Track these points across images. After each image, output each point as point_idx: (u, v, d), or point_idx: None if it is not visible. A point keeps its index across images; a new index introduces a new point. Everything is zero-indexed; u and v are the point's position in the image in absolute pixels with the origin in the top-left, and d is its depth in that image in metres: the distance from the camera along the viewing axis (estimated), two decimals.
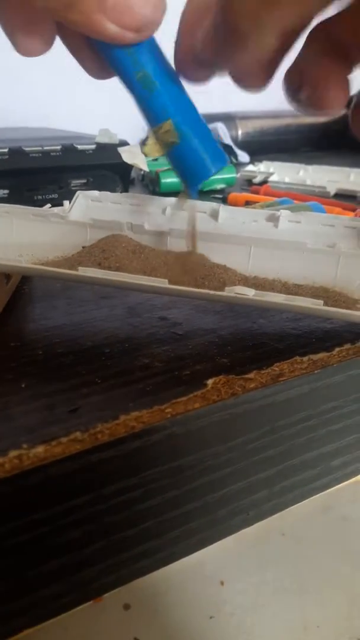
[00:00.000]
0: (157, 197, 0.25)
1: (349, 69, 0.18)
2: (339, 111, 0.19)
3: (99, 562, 0.18)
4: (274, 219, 0.24)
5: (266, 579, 0.45)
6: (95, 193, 0.25)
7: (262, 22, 0.15)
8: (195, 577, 0.44)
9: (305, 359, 0.19)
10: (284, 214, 0.24)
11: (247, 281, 0.23)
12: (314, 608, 0.43)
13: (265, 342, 0.21)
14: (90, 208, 0.25)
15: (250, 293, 0.20)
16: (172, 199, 0.25)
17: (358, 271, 0.23)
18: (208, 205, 0.25)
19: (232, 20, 0.15)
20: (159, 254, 0.23)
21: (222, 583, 0.44)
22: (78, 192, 0.25)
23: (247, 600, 0.43)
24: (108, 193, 0.26)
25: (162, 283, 0.20)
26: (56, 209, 0.25)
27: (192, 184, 0.20)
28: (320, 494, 0.23)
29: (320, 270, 0.23)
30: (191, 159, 0.19)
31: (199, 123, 0.20)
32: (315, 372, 0.19)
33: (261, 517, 0.21)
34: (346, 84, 0.18)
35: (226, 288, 0.20)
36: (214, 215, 0.25)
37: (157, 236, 0.24)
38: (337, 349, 0.20)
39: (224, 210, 0.25)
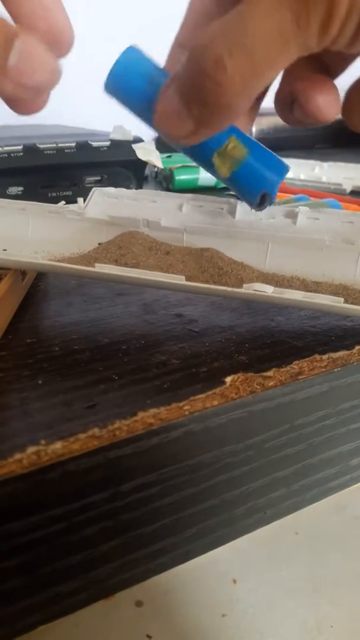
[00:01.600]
0: (173, 194, 0.25)
1: (333, 77, 0.20)
2: (333, 117, 0.19)
3: (115, 560, 0.18)
4: (292, 216, 0.24)
5: (279, 578, 0.45)
6: (111, 190, 0.25)
7: None
8: (207, 575, 0.44)
9: (324, 357, 0.19)
10: (302, 210, 0.24)
11: (265, 278, 0.23)
12: (327, 607, 0.42)
13: (283, 339, 0.21)
14: (106, 205, 0.25)
15: (269, 290, 0.19)
16: (189, 195, 0.25)
17: None
18: (225, 201, 0.25)
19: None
20: (176, 251, 0.23)
21: (234, 581, 0.44)
22: (94, 189, 0.25)
23: (260, 598, 0.43)
24: (124, 189, 0.25)
25: (179, 280, 0.20)
26: (72, 206, 0.25)
27: (272, 189, 0.21)
28: (334, 493, 0.23)
29: (339, 268, 0.23)
30: (262, 167, 0.20)
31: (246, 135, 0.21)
32: (335, 370, 0.19)
33: (278, 516, 0.21)
34: (334, 91, 0.19)
35: (244, 285, 0.20)
36: (231, 211, 0.25)
37: (174, 233, 0.24)
38: (357, 347, 0.20)
39: (240, 207, 0.25)
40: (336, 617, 0.41)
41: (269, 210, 0.25)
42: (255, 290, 0.19)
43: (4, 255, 0.21)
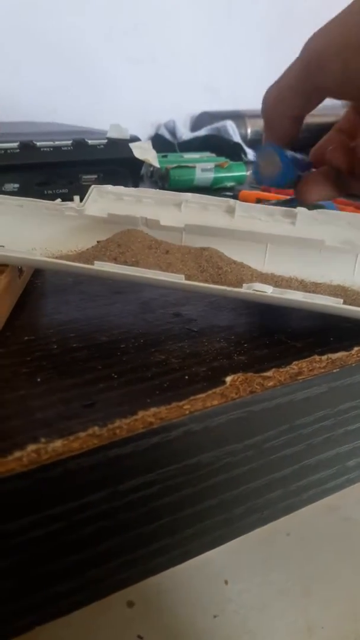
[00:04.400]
0: (172, 192, 0.25)
1: None
2: None
3: (113, 559, 0.18)
4: (291, 216, 0.24)
5: (271, 579, 0.45)
6: (110, 187, 0.25)
7: None
8: (199, 576, 0.44)
9: (324, 357, 0.19)
10: (300, 211, 0.24)
11: (263, 278, 0.23)
12: (318, 609, 0.43)
13: (282, 340, 0.21)
14: (104, 202, 0.25)
15: (268, 290, 0.19)
16: (188, 195, 0.25)
17: None
18: (224, 201, 0.25)
19: None
20: (175, 250, 0.23)
21: (226, 582, 0.44)
22: (93, 187, 0.25)
23: (251, 599, 0.43)
24: (122, 187, 0.25)
25: (178, 279, 0.19)
26: (70, 203, 0.25)
27: None
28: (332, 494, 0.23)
29: (338, 269, 0.23)
30: None
31: None
32: (334, 371, 0.19)
33: (276, 517, 0.21)
34: None
35: (244, 285, 0.20)
36: (230, 211, 0.25)
37: (173, 232, 0.24)
38: (356, 348, 0.20)
39: (240, 207, 0.25)
40: (327, 619, 0.41)
41: (267, 210, 0.25)
42: (255, 290, 0.19)
43: (2, 251, 0.20)
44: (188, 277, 0.20)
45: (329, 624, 0.41)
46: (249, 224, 0.24)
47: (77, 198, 0.26)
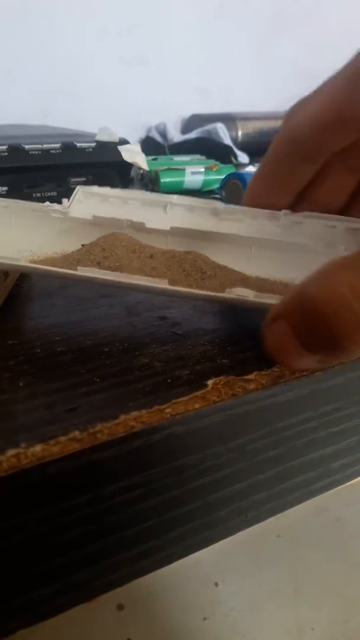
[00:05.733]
0: (158, 194, 0.25)
1: None
2: None
3: (98, 562, 0.18)
4: (275, 219, 0.24)
5: (261, 581, 0.45)
6: (96, 188, 0.25)
7: None
8: (189, 578, 0.43)
9: None
10: (285, 213, 0.24)
11: (248, 282, 0.23)
12: (308, 610, 0.43)
13: None
14: (90, 204, 0.25)
15: (250, 295, 0.19)
16: (174, 197, 0.25)
17: None
18: (210, 202, 0.25)
19: None
20: (159, 254, 0.23)
21: (216, 584, 0.44)
22: (78, 187, 0.25)
23: (241, 601, 0.43)
24: (108, 189, 0.25)
25: (162, 284, 0.20)
26: (57, 205, 0.25)
27: None
28: (317, 496, 0.23)
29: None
30: None
31: None
32: (316, 373, 0.19)
33: (260, 519, 0.21)
34: None
35: (227, 290, 0.20)
36: (216, 213, 0.25)
37: (158, 235, 0.24)
38: None
39: (225, 209, 0.25)
40: (317, 620, 0.41)
41: (252, 212, 0.25)
42: (238, 295, 0.19)
43: None
44: (172, 282, 0.20)
45: (319, 625, 0.42)
46: (234, 227, 0.24)
47: (65, 201, 0.25)
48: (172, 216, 0.25)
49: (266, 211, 0.25)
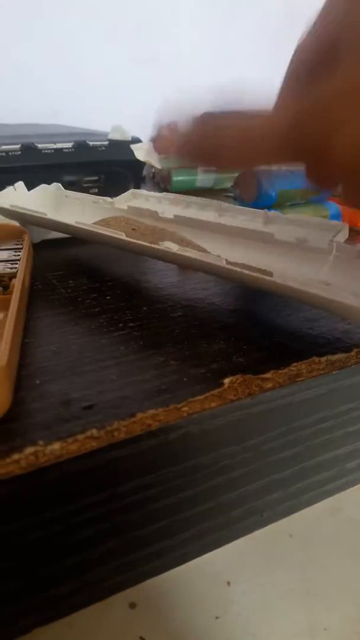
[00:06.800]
0: (183, 196, 0.31)
1: None
2: None
3: (112, 561, 0.18)
4: (263, 216, 0.27)
5: (273, 580, 0.45)
6: (142, 191, 0.33)
7: None
8: (201, 577, 0.44)
9: (323, 359, 0.19)
10: (276, 214, 0.27)
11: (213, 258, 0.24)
12: (321, 610, 0.43)
13: (281, 341, 0.21)
14: (134, 200, 0.32)
15: (174, 248, 0.22)
16: (194, 197, 0.30)
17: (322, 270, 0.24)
18: (219, 203, 0.29)
19: None
20: (142, 227, 0.28)
21: (228, 583, 0.44)
22: (131, 190, 0.33)
23: (253, 601, 0.43)
24: (152, 192, 0.33)
25: (115, 234, 0.24)
26: (108, 199, 0.32)
27: None
28: (331, 496, 0.23)
29: (285, 261, 0.24)
30: None
31: None
32: (333, 372, 0.19)
33: (275, 519, 0.21)
34: None
35: (160, 243, 0.23)
36: (219, 210, 0.29)
37: (167, 222, 0.29)
38: (355, 350, 0.20)
39: (228, 208, 0.29)
40: (329, 620, 0.41)
41: (250, 212, 0.28)
42: (167, 248, 0.22)
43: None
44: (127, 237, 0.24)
45: (332, 625, 0.41)
46: (229, 221, 0.28)
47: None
48: (186, 211, 0.29)
49: (262, 212, 0.27)
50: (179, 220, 0.28)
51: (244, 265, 0.21)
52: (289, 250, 0.24)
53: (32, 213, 0.28)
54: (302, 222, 0.26)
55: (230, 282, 0.25)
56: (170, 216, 0.28)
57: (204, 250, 0.25)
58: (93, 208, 0.32)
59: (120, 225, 0.28)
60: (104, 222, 0.28)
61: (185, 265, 0.24)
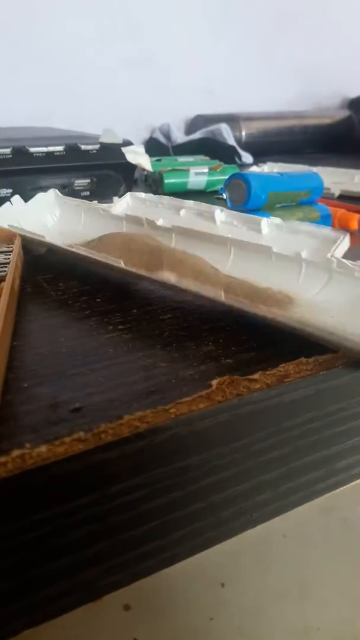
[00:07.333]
0: (179, 200, 0.30)
1: None
2: None
3: (103, 563, 0.18)
4: (256, 223, 0.27)
5: (267, 581, 0.45)
6: (140, 194, 0.32)
7: None
8: (195, 578, 0.43)
9: (311, 360, 0.19)
10: (273, 220, 0.27)
11: (218, 279, 0.23)
12: (315, 611, 0.43)
13: (270, 343, 0.21)
14: (131, 205, 0.32)
15: (172, 279, 0.23)
16: (191, 202, 0.30)
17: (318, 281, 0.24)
18: (218, 209, 0.28)
19: None
20: (146, 246, 0.27)
21: (222, 585, 0.44)
22: (128, 193, 0.32)
23: (247, 602, 0.43)
24: (150, 195, 0.32)
25: (113, 261, 0.24)
26: (105, 205, 0.32)
27: None
28: (322, 496, 0.23)
29: (284, 276, 0.24)
30: None
31: None
32: (321, 373, 0.19)
33: (265, 519, 0.21)
34: None
35: (155, 272, 0.23)
36: (215, 218, 0.28)
37: (165, 231, 0.28)
38: (342, 351, 0.20)
39: (225, 215, 0.28)
40: (324, 621, 0.41)
41: (245, 218, 0.28)
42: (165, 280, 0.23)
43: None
44: (127, 264, 0.24)
45: (325, 626, 0.41)
46: (227, 230, 0.27)
47: (116, 199, 0.35)
48: (184, 218, 0.29)
49: (256, 218, 0.27)
50: (177, 230, 0.28)
51: (240, 301, 0.22)
52: (287, 265, 0.24)
53: (32, 236, 0.28)
54: (302, 232, 0.25)
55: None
56: (169, 225, 0.28)
57: (200, 269, 0.24)
58: (92, 215, 0.32)
59: (116, 245, 0.27)
60: (100, 242, 0.28)
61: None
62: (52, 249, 0.29)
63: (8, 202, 0.32)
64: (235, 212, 0.28)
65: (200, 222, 0.28)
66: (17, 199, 0.32)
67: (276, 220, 0.26)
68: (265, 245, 0.25)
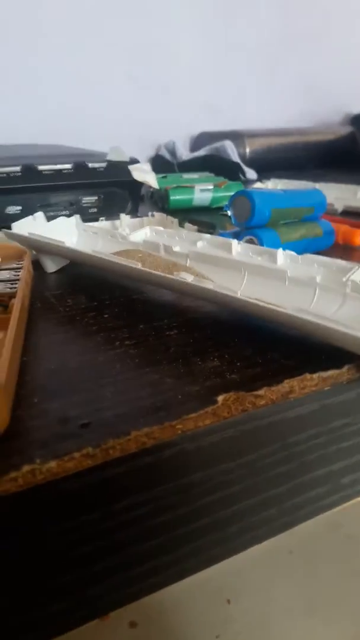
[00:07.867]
0: (197, 234, 0.32)
1: None
2: None
3: (109, 579, 0.18)
4: (269, 254, 0.28)
5: (273, 597, 0.44)
6: (159, 228, 0.34)
7: None
8: (201, 595, 0.43)
9: (315, 375, 0.20)
10: (285, 253, 0.27)
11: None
12: (321, 627, 0.42)
13: (274, 359, 0.21)
14: (150, 234, 0.33)
15: (189, 278, 0.23)
16: (207, 236, 0.31)
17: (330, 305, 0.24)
18: (232, 241, 0.29)
19: None
20: (151, 259, 0.28)
21: (228, 601, 0.43)
22: (147, 227, 0.34)
23: (253, 618, 0.43)
24: (170, 230, 0.34)
25: (134, 264, 0.25)
26: (122, 232, 0.33)
27: None
28: (329, 512, 0.23)
29: (298, 299, 0.24)
30: None
31: None
32: (326, 389, 0.19)
33: (271, 535, 0.21)
34: None
35: (174, 273, 0.24)
36: (229, 247, 0.29)
37: (180, 257, 0.29)
38: (347, 366, 0.20)
39: (239, 246, 0.29)
40: (330, 637, 0.41)
41: (257, 249, 0.29)
42: (180, 278, 0.23)
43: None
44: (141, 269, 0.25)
45: None
46: (242, 258, 0.28)
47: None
48: (198, 246, 0.31)
49: (270, 250, 0.28)
50: (193, 256, 0.29)
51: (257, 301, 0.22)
52: (302, 289, 0.24)
53: (50, 242, 0.28)
54: (316, 262, 0.26)
55: (245, 314, 0.25)
56: (185, 251, 0.29)
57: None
58: (110, 241, 0.33)
59: (136, 257, 0.28)
60: (120, 254, 0.28)
61: (200, 297, 0.24)
62: (63, 267, 0.29)
63: (30, 216, 0.33)
64: (251, 245, 0.29)
65: (217, 251, 0.29)
66: (40, 215, 0.33)
67: (291, 253, 0.27)
68: (279, 269, 0.25)
